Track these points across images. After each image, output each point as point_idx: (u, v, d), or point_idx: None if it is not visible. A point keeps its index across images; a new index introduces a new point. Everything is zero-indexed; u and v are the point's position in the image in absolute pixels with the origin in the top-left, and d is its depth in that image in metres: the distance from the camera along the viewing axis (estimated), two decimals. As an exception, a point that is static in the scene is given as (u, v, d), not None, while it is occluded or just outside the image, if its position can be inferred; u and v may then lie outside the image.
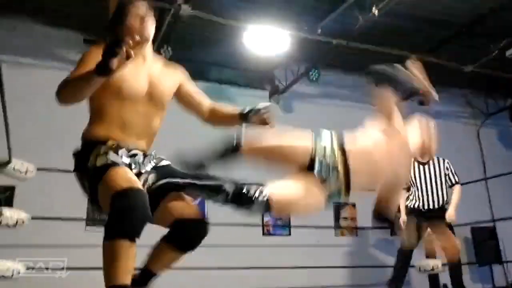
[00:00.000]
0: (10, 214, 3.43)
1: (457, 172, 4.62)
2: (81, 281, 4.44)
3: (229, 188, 1.94)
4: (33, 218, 3.74)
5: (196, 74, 6.85)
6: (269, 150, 2.15)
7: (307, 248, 6.25)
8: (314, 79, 6.52)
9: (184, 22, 5.39)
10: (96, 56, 1.76)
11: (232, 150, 2.12)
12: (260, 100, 7.57)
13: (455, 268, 4.46)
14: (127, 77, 1.95)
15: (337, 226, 6.61)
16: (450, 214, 4.45)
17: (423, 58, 6.10)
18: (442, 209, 4.47)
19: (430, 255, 4.89)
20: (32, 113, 5.42)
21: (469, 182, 5.52)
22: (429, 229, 4.57)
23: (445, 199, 4.48)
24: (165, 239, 1.97)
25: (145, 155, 2.03)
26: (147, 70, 2.10)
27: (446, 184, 4.52)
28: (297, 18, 5.43)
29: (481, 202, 7.15)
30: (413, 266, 4.74)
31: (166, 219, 1.94)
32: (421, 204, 4.48)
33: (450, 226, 4.65)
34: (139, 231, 1.66)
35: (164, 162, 2.12)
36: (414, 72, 2.37)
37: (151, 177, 1.97)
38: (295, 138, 2.22)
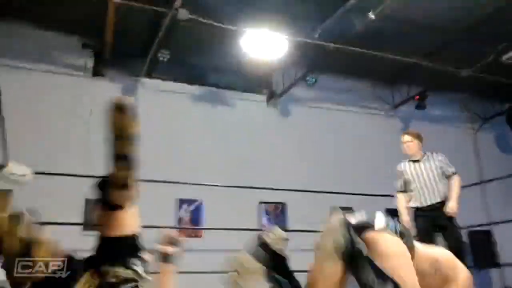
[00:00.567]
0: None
1: None
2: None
3: None
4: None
5: (194, 79, 6.95)
6: None
7: (306, 252, 6.24)
8: (311, 83, 6.55)
9: (182, 27, 5.40)
10: None
11: None
12: (257, 105, 7.54)
13: None
14: None
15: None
16: (451, 207, 4.34)
17: (420, 63, 6.17)
18: (443, 204, 4.41)
19: None
20: (30, 117, 5.41)
21: (466, 186, 5.53)
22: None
23: (444, 192, 4.43)
24: None
25: None
26: None
27: (442, 177, 4.48)
28: (295, 22, 5.44)
29: (478, 205, 7.16)
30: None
31: None
32: (422, 201, 4.47)
33: (451, 222, 4.53)
34: None
35: None
36: None
37: None
38: None
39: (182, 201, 5.94)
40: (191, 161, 6.04)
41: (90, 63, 5.92)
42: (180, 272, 4.87)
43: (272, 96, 6.87)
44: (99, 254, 1.71)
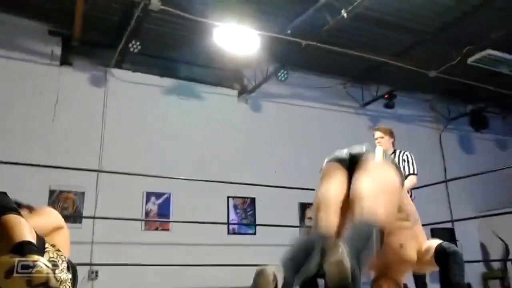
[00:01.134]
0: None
1: (419, 172, 4.68)
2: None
3: None
4: None
5: (165, 71, 6.87)
6: None
7: (273, 247, 6.28)
8: (283, 79, 6.57)
9: (154, 18, 5.32)
10: None
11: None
12: (228, 99, 7.53)
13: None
14: None
15: (302, 225, 6.66)
16: None
17: (390, 62, 6.28)
18: None
19: None
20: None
21: (431, 184, 5.67)
22: None
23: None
24: None
25: None
26: None
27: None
28: (268, 18, 5.44)
29: (441, 203, 7.36)
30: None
31: None
32: None
33: None
34: None
35: None
36: None
37: None
38: None
39: (149, 194, 5.87)
40: (159, 154, 5.98)
41: (57, 51, 5.76)
42: (148, 265, 4.85)
43: (243, 91, 6.86)
44: None
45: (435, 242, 2.12)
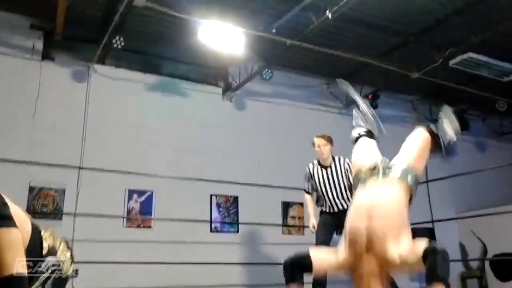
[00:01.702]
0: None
1: None
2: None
3: None
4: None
5: (149, 67, 6.81)
6: None
7: (255, 246, 6.30)
8: (267, 78, 6.58)
9: (139, 14, 5.28)
10: None
11: None
12: (212, 97, 7.50)
13: None
14: None
15: (284, 224, 6.69)
16: None
17: (373, 63, 6.33)
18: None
19: None
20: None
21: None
22: None
23: (348, 199, 4.49)
24: None
25: None
26: None
27: (348, 183, 4.54)
28: (253, 16, 5.44)
29: (422, 204, 7.45)
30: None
31: None
32: (330, 208, 4.56)
33: None
34: None
35: None
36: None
37: None
38: None
39: (132, 192, 5.83)
40: (142, 151, 5.94)
41: (39, 45, 5.67)
42: (130, 263, 4.81)
43: (227, 89, 6.85)
44: None
45: (422, 243, 2.17)
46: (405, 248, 2.20)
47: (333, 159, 4.68)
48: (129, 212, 5.79)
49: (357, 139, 3.11)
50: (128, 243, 5.50)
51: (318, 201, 4.69)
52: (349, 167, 4.51)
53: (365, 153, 2.87)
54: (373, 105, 7.50)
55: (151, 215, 5.86)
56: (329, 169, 4.64)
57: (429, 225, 6.97)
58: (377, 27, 5.80)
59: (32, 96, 5.45)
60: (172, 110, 6.35)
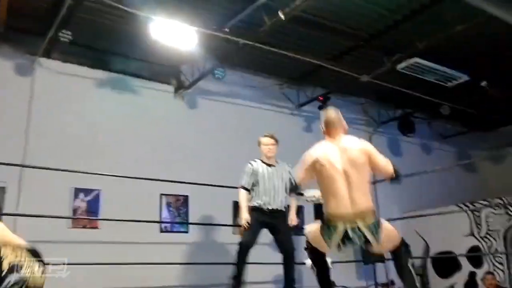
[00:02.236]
0: None
1: None
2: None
3: None
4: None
5: (98, 63, 6.61)
6: None
7: (205, 246, 6.26)
8: (219, 77, 6.55)
9: (87, 7, 5.12)
10: None
11: None
12: (164, 95, 7.38)
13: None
14: None
15: (235, 224, 6.66)
16: (293, 219, 4.73)
17: (325, 65, 6.43)
18: (282, 212, 4.67)
19: None
20: None
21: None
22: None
23: (284, 202, 4.68)
24: None
25: None
26: None
27: (286, 188, 4.70)
28: (206, 14, 5.39)
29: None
30: (304, 263, 4.90)
31: None
32: (266, 203, 4.61)
33: (289, 228, 4.81)
34: None
35: None
36: None
37: None
38: None
39: (78, 190, 5.65)
40: (89, 149, 5.77)
41: (-21, 37, 5.39)
42: (76, 264, 4.65)
43: (179, 87, 6.76)
44: None
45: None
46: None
47: (277, 160, 4.81)
48: (74, 211, 5.61)
49: None
50: (73, 244, 5.31)
51: (254, 198, 4.68)
52: (291, 171, 4.61)
53: None
54: (324, 107, 7.61)
55: (97, 215, 5.70)
56: (273, 168, 4.74)
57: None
58: (329, 29, 5.89)
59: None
60: (122, 107, 6.21)
